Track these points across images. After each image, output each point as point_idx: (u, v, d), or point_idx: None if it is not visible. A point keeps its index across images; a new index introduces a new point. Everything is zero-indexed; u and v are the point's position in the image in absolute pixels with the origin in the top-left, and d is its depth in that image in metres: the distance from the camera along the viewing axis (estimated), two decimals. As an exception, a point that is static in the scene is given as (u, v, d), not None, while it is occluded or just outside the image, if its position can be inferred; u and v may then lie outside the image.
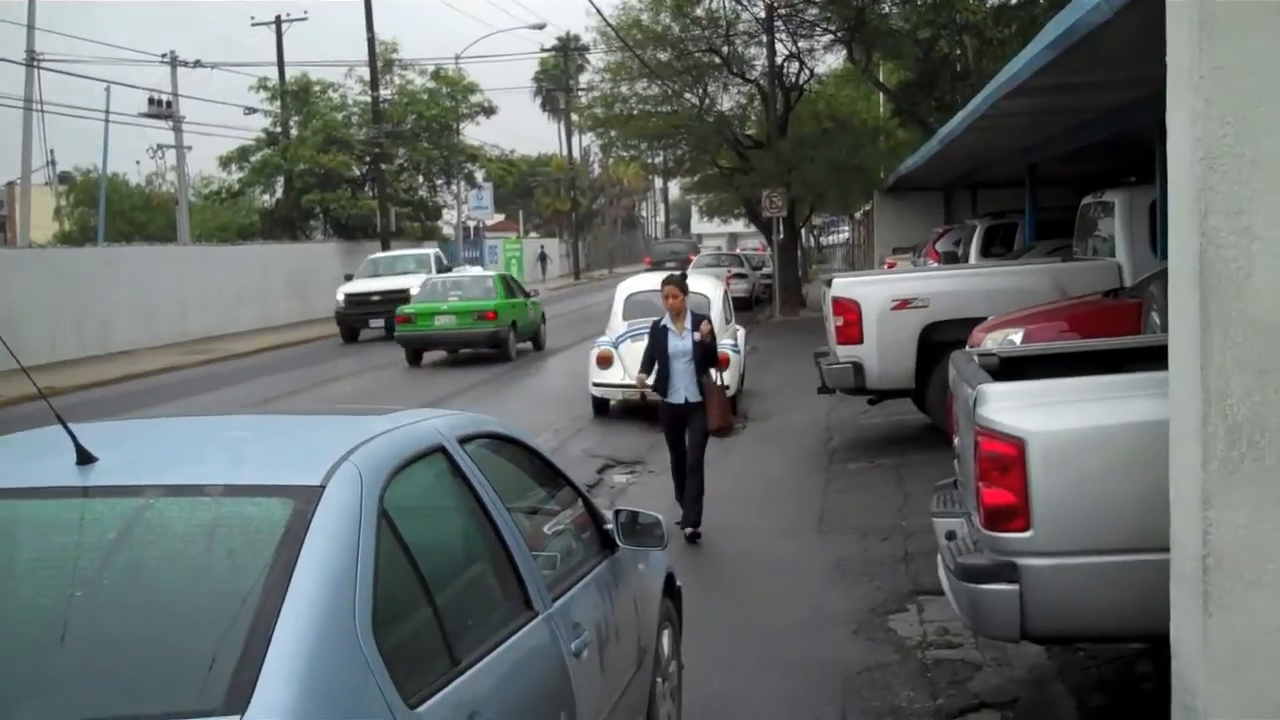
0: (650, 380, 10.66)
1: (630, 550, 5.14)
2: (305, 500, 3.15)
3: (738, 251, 53.38)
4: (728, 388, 12.02)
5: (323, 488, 3.20)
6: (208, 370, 27.37)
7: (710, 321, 10.97)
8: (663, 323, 10.67)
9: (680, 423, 10.61)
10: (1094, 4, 8.43)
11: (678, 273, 12.24)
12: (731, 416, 11.08)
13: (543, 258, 72.66)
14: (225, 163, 46.45)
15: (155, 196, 50.97)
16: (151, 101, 39.42)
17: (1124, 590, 5.00)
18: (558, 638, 4.02)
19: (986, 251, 20.87)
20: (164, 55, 39.89)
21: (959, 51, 31.63)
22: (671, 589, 5.99)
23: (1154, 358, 5.48)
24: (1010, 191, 24.14)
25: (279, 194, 46.97)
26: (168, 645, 2.93)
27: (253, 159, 46.02)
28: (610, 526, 5.05)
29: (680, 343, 10.45)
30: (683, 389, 10.46)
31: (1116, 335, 9.45)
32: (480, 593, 3.94)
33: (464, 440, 4.10)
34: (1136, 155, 17.13)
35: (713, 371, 10.74)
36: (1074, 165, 21.22)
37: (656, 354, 10.59)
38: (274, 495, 3.23)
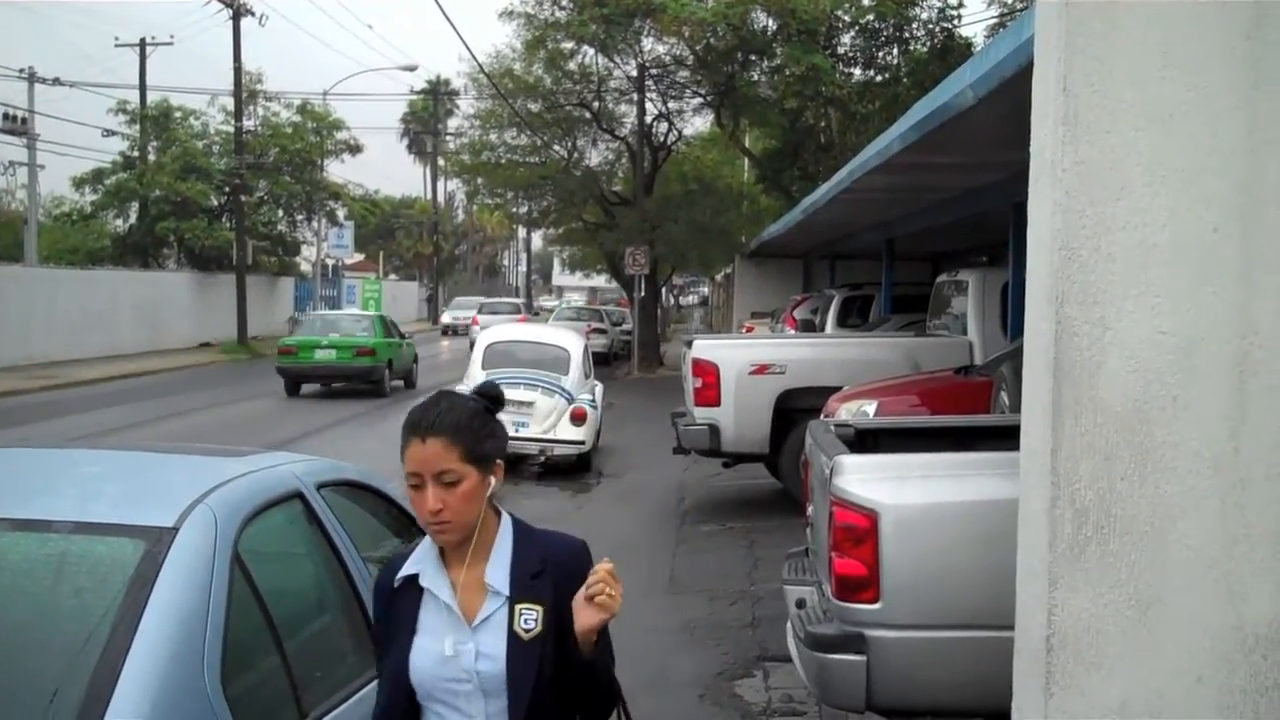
0: None
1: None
2: (157, 541, 3.08)
3: (597, 305, 53.53)
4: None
5: (176, 529, 3.13)
6: (53, 396, 26.45)
7: (605, 567, 2.72)
8: (403, 570, 2.87)
9: None
10: (960, 89, 8.70)
11: (477, 397, 3.00)
12: None
13: (430, 299, 73.99)
14: (79, 184, 45.28)
15: (3, 214, 49.37)
16: (6, 117, 38.20)
17: (968, 665, 5.10)
18: (407, 692, 3.96)
19: (843, 322, 21.22)
20: (21, 70, 38.79)
21: (824, 123, 32.25)
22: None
23: (1003, 436, 5.63)
24: (868, 264, 24.68)
25: (133, 219, 45.86)
26: (6, 686, 2.83)
27: (107, 182, 44.94)
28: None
29: (465, 646, 2.74)
30: None
31: (966, 412, 9.72)
32: (331, 644, 3.87)
33: (321, 486, 4.03)
34: (990, 235, 17.70)
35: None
36: (929, 242, 21.82)
37: (385, 677, 2.84)
38: (125, 535, 3.14)
